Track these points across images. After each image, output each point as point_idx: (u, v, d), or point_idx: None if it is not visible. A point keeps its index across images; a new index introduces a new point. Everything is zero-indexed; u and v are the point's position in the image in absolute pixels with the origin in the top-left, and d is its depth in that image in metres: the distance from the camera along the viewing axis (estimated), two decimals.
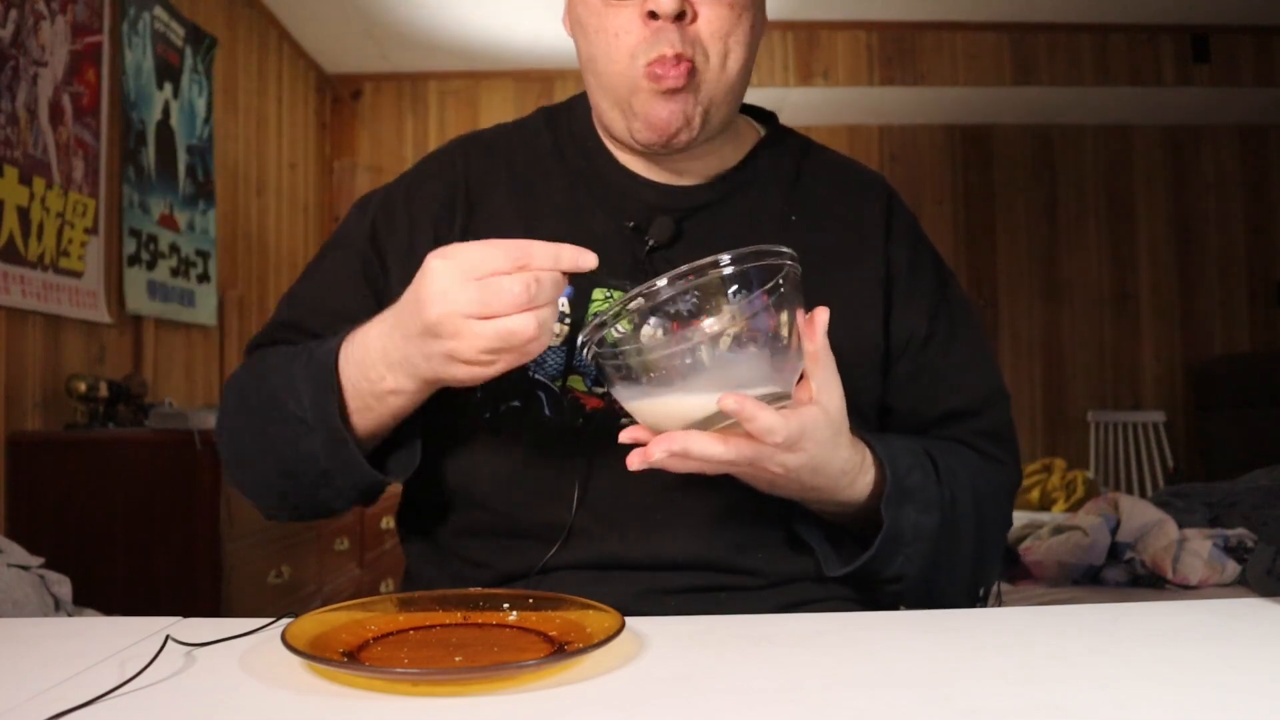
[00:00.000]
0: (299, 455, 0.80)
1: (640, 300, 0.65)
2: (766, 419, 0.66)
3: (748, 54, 0.84)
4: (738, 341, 0.65)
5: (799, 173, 0.94)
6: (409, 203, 0.92)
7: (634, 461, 0.68)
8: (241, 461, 0.87)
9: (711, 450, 0.66)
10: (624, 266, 0.86)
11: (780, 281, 0.66)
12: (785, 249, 0.66)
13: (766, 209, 0.91)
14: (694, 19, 0.81)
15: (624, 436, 0.71)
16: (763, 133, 0.97)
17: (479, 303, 0.67)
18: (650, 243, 0.86)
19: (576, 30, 0.88)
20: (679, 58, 0.80)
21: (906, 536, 0.79)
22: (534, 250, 0.67)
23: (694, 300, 0.65)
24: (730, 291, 0.64)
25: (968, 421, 0.92)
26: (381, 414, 0.79)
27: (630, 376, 0.67)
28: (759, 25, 0.87)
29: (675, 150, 0.85)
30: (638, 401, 0.68)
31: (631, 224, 0.87)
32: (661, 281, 0.64)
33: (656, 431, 0.69)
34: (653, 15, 0.80)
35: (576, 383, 0.84)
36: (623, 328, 0.66)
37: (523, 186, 0.92)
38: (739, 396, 0.64)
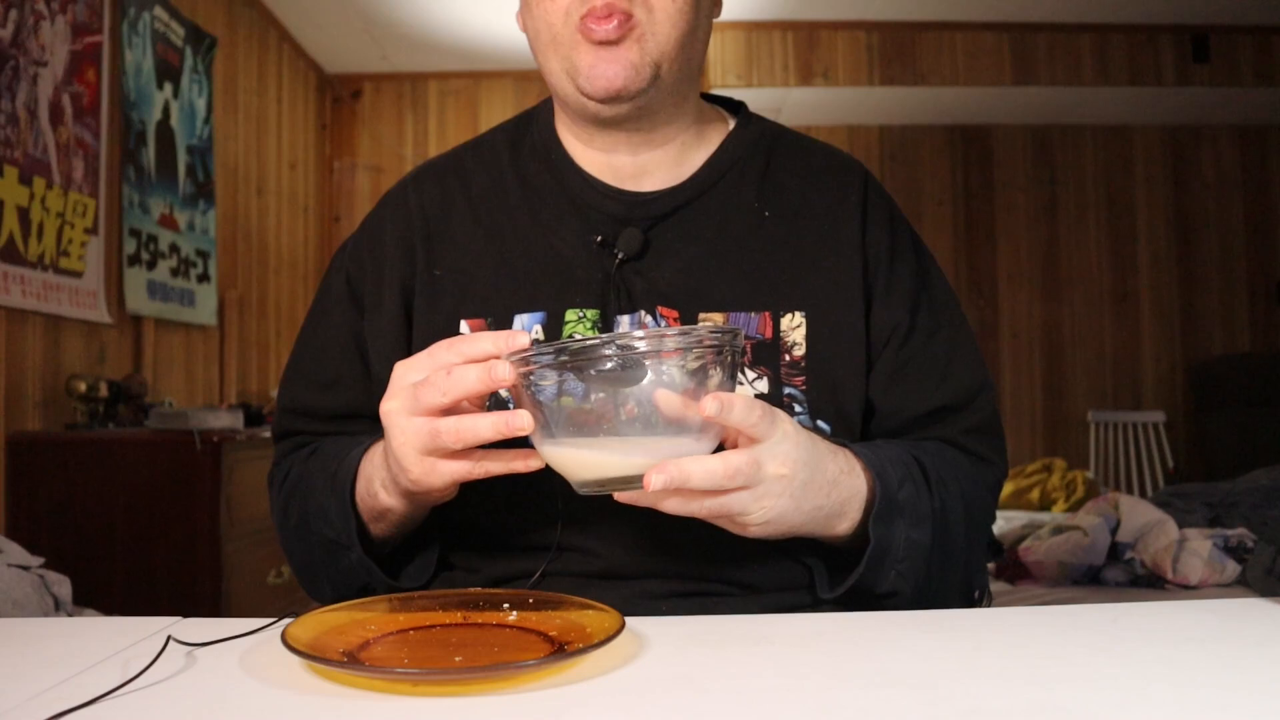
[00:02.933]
0: (342, 571, 0.84)
1: (585, 352, 0.63)
2: (743, 404, 0.64)
3: (695, 12, 0.83)
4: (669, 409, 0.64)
5: (769, 164, 0.92)
6: (372, 249, 0.92)
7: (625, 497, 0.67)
8: (300, 569, 0.91)
9: (711, 467, 0.64)
10: (594, 283, 0.85)
11: (721, 358, 0.65)
12: (731, 329, 0.65)
13: (737, 207, 0.89)
14: None
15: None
16: (731, 124, 0.94)
17: (411, 398, 0.68)
18: (619, 256, 0.85)
19: (524, 12, 0.87)
20: (609, 9, 0.79)
21: (899, 552, 0.77)
22: (479, 340, 0.68)
23: (630, 363, 0.63)
24: (672, 361, 0.64)
25: (955, 419, 0.88)
26: (388, 526, 0.81)
27: (550, 419, 0.65)
28: None
29: (627, 100, 0.82)
30: (553, 448, 0.66)
31: (599, 239, 0.85)
32: (603, 347, 0.63)
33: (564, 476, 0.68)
34: None
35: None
36: (554, 374, 0.64)
37: (484, 209, 0.90)
38: (717, 395, 0.63)
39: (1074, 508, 3.63)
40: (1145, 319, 5.13)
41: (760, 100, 4.59)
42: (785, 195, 0.90)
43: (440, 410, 0.68)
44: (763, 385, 0.84)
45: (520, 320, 0.85)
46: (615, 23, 0.79)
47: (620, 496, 0.67)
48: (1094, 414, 4.91)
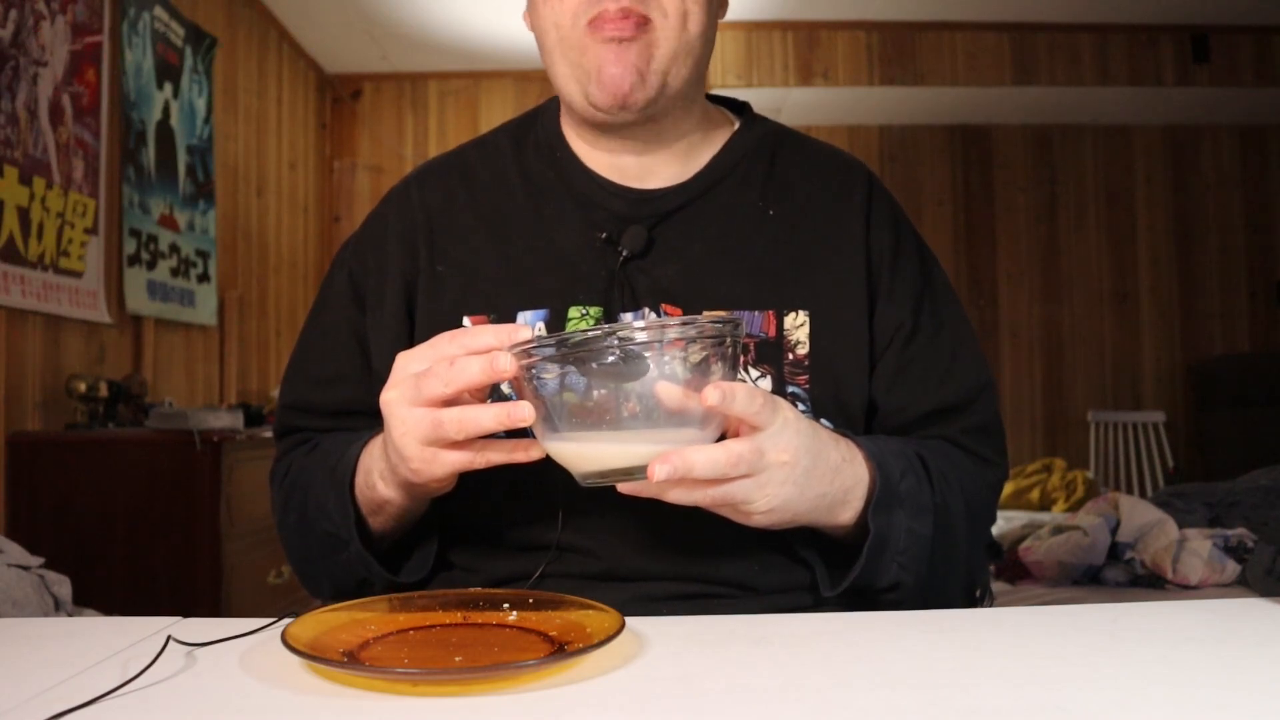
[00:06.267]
0: (341, 565, 0.84)
1: (586, 342, 0.63)
2: (744, 392, 0.64)
3: (707, 17, 0.83)
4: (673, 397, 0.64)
5: (774, 163, 0.92)
6: (375, 245, 0.92)
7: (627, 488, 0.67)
8: (299, 565, 0.91)
9: (714, 455, 0.64)
10: (598, 280, 0.85)
11: (722, 349, 0.65)
12: (732, 319, 0.65)
13: (741, 206, 0.89)
14: None
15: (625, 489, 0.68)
16: (736, 124, 0.94)
17: (413, 388, 0.68)
18: (624, 254, 0.85)
19: (531, 13, 0.87)
20: (625, 12, 0.79)
21: (899, 543, 0.77)
22: (481, 333, 0.68)
23: (632, 355, 0.63)
24: (673, 352, 0.64)
25: (956, 418, 0.88)
26: (386, 520, 0.81)
27: (552, 411, 0.65)
28: None
29: (634, 111, 0.82)
30: (556, 440, 0.66)
31: (604, 236, 0.85)
32: (605, 339, 0.63)
33: (567, 468, 0.68)
34: None
35: None
36: (556, 367, 0.64)
37: (488, 207, 0.90)
38: (718, 384, 0.63)
39: (1074, 508, 3.63)
40: (1145, 319, 5.13)
41: (760, 100, 4.59)
42: (789, 195, 0.90)
43: (442, 401, 0.68)
44: (766, 384, 0.84)
45: (523, 317, 0.85)
46: (632, 23, 0.79)
47: (623, 488, 0.67)
48: (1094, 414, 4.91)
